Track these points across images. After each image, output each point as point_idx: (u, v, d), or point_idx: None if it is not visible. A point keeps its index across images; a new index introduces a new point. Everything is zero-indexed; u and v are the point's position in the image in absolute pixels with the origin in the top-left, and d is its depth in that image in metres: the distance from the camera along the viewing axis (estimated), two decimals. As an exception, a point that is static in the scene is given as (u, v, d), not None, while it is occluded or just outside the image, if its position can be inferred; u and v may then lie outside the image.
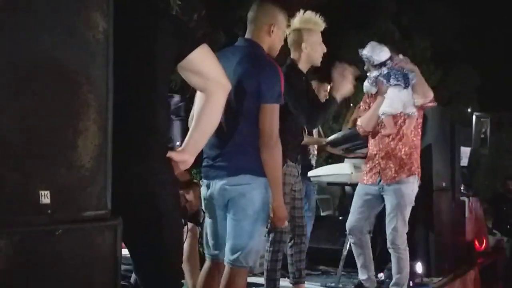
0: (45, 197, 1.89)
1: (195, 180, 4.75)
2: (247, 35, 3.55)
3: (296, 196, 4.22)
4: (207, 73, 2.51)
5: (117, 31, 2.11)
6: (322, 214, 7.81)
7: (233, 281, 3.28)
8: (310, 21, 4.22)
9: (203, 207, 4.55)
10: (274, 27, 3.48)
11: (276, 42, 3.57)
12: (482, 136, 14.14)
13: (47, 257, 1.91)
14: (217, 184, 3.31)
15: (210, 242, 3.46)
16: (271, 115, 3.28)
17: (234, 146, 3.29)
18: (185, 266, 4.19)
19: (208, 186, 3.38)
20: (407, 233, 5.64)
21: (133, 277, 4.31)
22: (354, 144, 5.24)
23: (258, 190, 3.26)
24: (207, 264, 3.51)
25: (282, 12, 3.56)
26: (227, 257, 3.30)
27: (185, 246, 4.06)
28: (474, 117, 13.98)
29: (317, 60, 4.24)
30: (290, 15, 4.14)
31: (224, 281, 3.31)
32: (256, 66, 3.33)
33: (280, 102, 3.34)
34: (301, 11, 4.25)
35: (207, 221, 3.50)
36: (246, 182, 3.25)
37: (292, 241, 4.32)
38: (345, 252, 5.43)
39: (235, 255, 3.26)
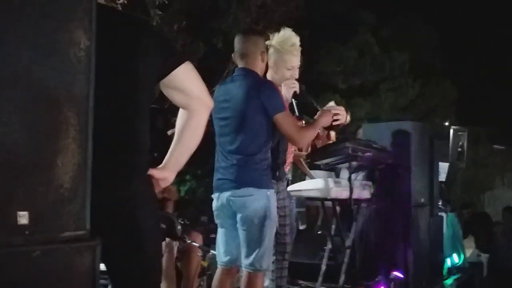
0: (23, 217, 1.84)
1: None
2: (241, 66, 3.98)
3: (279, 213, 4.21)
4: (190, 91, 2.48)
5: (99, 48, 2.07)
6: (299, 227, 7.79)
7: (250, 284, 3.77)
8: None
9: (179, 224, 4.57)
10: (264, 54, 4.00)
11: (265, 65, 4.08)
12: (459, 149, 14.22)
13: (25, 279, 1.86)
14: (224, 196, 3.81)
15: (221, 249, 3.94)
16: (285, 121, 3.85)
17: (240, 161, 3.79)
18: (162, 283, 4.14)
19: (218, 198, 3.87)
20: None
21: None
22: (336, 159, 5.23)
23: (260, 201, 3.74)
24: (218, 271, 3.98)
25: (263, 39, 4.06)
26: (244, 263, 3.81)
27: (162, 261, 4.03)
28: (451, 130, 14.07)
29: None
30: (272, 30, 4.25)
31: (243, 286, 3.80)
32: (254, 87, 3.84)
33: (285, 109, 3.88)
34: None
35: (219, 231, 3.97)
36: (249, 194, 3.74)
37: (274, 257, 4.30)
38: (324, 267, 5.41)
39: (250, 260, 3.75)
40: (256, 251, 3.73)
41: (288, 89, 4.16)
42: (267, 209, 3.74)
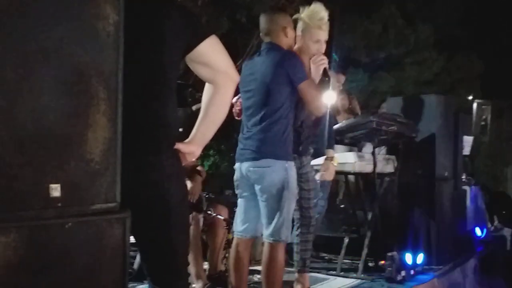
0: (55, 190, 1.89)
1: (198, 168, 4.77)
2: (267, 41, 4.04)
3: (303, 187, 4.25)
4: (216, 65, 2.50)
5: (126, 23, 2.10)
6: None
7: (271, 255, 3.82)
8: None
9: (205, 195, 4.62)
10: (287, 29, 4.03)
11: (292, 40, 4.10)
12: (483, 123, 14.13)
13: (57, 250, 1.91)
14: (244, 166, 3.89)
15: (239, 218, 4.02)
16: (307, 90, 3.89)
17: (261, 132, 3.83)
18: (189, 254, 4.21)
19: (238, 169, 3.96)
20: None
21: (136, 262, 4.34)
22: (360, 133, 5.24)
23: (278, 172, 3.78)
24: (234, 241, 4.04)
25: (287, 15, 4.11)
26: (264, 234, 3.87)
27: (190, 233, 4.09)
28: (475, 104, 13.97)
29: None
30: (296, 4, 4.26)
31: (264, 257, 3.86)
32: (278, 59, 3.88)
33: (307, 77, 3.91)
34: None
35: (239, 201, 4.05)
36: (267, 165, 3.79)
37: (299, 230, 4.36)
38: (346, 240, 5.45)
39: (269, 231, 3.81)
40: (275, 221, 3.78)
41: (318, 66, 4.12)
42: (285, 180, 3.78)
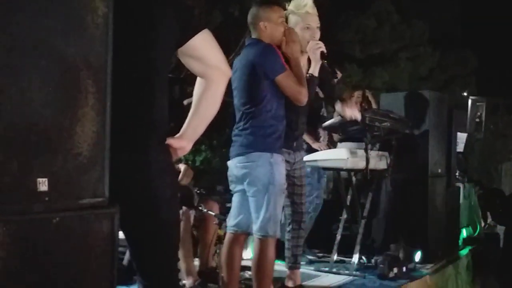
0: (43, 184, 1.86)
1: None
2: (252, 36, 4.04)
3: (296, 182, 4.25)
4: (208, 59, 2.48)
5: (116, 15, 2.07)
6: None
7: (260, 250, 3.81)
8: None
9: (196, 190, 4.62)
10: (266, 23, 3.93)
11: (274, 33, 3.96)
12: (477, 120, 14.12)
13: (44, 245, 1.89)
14: (233, 162, 3.91)
15: (231, 213, 4.03)
16: (286, 82, 3.85)
17: (246, 128, 3.85)
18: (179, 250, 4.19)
19: (230, 165, 3.95)
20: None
21: (126, 258, 4.31)
22: (351, 129, 5.21)
23: (263, 167, 3.77)
24: (227, 237, 4.04)
25: (269, 8, 3.98)
26: (253, 229, 3.86)
27: (180, 229, 4.07)
28: (469, 101, 13.96)
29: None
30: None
31: (254, 253, 3.87)
32: (255, 54, 3.86)
33: (284, 69, 3.84)
34: None
35: (233, 196, 4.06)
36: (252, 160, 3.79)
37: (290, 226, 4.35)
38: (339, 237, 5.43)
39: (257, 226, 3.80)
40: (262, 216, 3.76)
41: (314, 51, 4.08)
42: (270, 175, 3.76)
